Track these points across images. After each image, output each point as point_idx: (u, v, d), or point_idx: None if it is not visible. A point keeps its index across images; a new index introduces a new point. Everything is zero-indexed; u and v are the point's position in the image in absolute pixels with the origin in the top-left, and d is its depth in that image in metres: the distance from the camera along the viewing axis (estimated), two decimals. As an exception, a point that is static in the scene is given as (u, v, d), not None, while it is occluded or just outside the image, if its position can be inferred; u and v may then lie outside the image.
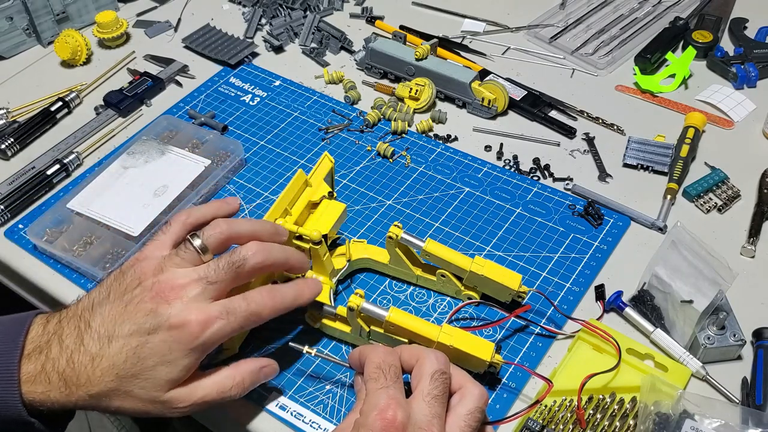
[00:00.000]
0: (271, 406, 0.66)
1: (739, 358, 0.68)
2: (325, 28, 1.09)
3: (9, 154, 0.92)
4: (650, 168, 0.86)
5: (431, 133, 0.93)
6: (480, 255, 0.74)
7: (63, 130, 0.96)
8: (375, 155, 0.90)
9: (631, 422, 0.62)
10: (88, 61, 1.07)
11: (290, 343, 0.64)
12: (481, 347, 0.63)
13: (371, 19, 1.12)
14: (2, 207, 0.83)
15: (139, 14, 1.16)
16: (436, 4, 1.15)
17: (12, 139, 0.92)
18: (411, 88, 0.95)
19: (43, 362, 0.57)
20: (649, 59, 0.99)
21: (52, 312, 0.61)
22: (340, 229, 0.80)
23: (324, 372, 0.68)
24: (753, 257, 0.77)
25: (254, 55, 1.07)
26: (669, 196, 0.82)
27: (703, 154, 0.88)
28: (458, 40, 1.08)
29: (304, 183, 0.73)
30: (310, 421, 0.65)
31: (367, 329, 0.66)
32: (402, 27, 1.09)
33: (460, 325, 0.70)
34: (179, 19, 1.14)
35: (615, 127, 0.92)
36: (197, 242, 0.60)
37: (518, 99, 0.96)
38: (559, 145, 0.91)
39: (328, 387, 0.67)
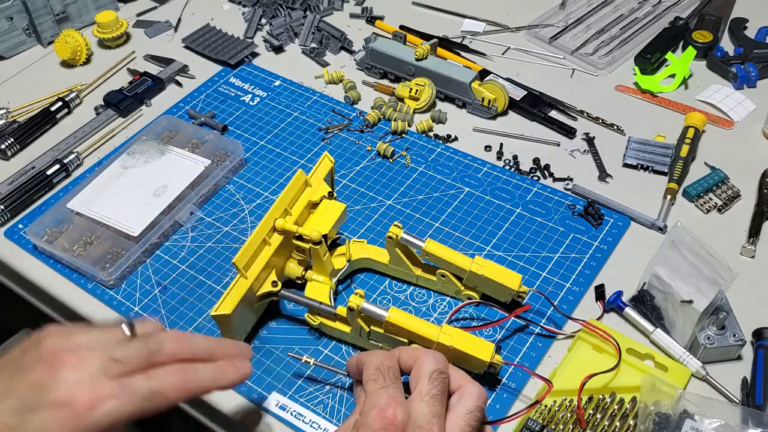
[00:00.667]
0: (271, 406, 0.66)
1: (739, 358, 0.68)
2: (325, 28, 1.09)
3: (9, 154, 0.92)
4: (650, 168, 0.86)
5: (431, 133, 0.93)
6: (480, 255, 0.74)
7: (63, 130, 0.96)
8: (375, 155, 0.90)
9: (631, 422, 0.62)
10: (88, 61, 1.07)
11: (290, 354, 0.65)
12: (481, 348, 0.63)
13: (371, 19, 1.12)
14: (2, 207, 0.83)
15: (139, 14, 1.16)
16: (436, 4, 1.15)
17: (12, 139, 0.92)
18: (411, 88, 0.95)
19: None
20: (649, 59, 0.99)
21: None
22: (340, 229, 0.80)
23: (324, 372, 0.68)
24: (753, 257, 0.77)
25: (254, 55, 1.07)
26: (669, 196, 0.82)
27: (703, 154, 0.88)
28: (458, 40, 1.08)
29: (304, 183, 0.73)
30: (310, 421, 0.65)
31: (367, 329, 0.66)
32: (402, 27, 1.09)
33: (460, 325, 0.70)
34: (179, 19, 1.14)
35: (615, 127, 0.92)
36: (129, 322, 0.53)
37: (518, 99, 0.96)
38: (559, 145, 0.91)
39: (328, 387, 0.67)
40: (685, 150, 0.86)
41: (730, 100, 0.95)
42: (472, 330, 0.66)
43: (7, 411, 0.48)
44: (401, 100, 0.97)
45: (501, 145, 0.91)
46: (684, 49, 1.02)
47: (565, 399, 0.64)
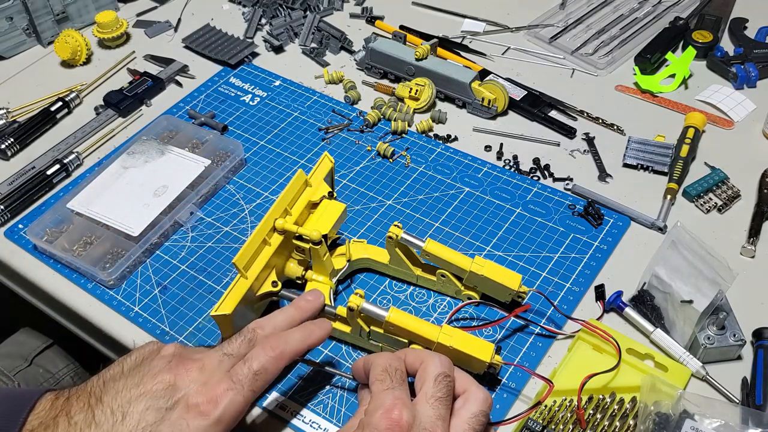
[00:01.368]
0: (271, 406, 0.66)
1: (739, 358, 0.68)
2: (325, 28, 1.09)
3: (9, 154, 0.92)
4: (650, 168, 0.86)
5: (431, 133, 0.93)
6: (480, 255, 0.74)
7: (63, 130, 0.96)
8: (375, 155, 0.90)
9: (631, 422, 0.62)
10: (88, 61, 1.07)
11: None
12: (481, 348, 0.63)
13: (371, 19, 1.12)
14: (2, 207, 0.83)
15: (139, 14, 1.16)
16: (436, 4, 1.15)
17: (12, 139, 0.92)
18: (411, 88, 0.95)
19: None
20: (649, 59, 0.99)
21: (62, 390, 0.58)
22: (340, 229, 0.80)
23: (324, 372, 0.68)
24: (753, 257, 0.77)
25: (254, 55, 1.07)
26: (669, 196, 0.82)
27: (703, 154, 0.88)
28: (458, 40, 1.08)
29: (304, 183, 0.73)
30: (310, 421, 0.65)
31: (367, 329, 0.66)
32: (402, 27, 1.09)
33: (460, 325, 0.70)
34: (179, 19, 1.14)
35: (615, 127, 0.92)
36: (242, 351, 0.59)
37: (518, 99, 0.96)
38: (559, 145, 0.91)
39: (328, 387, 0.67)
40: (685, 150, 0.86)
41: (730, 100, 0.95)
42: (472, 330, 0.66)
43: (142, 408, 0.54)
44: (401, 100, 0.97)
45: (501, 145, 0.91)
46: (684, 49, 1.02)
47: (565, 399, 0.64)
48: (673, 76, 0.99)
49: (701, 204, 0.82)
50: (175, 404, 0.54)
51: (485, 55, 1.05)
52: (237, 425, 0.66)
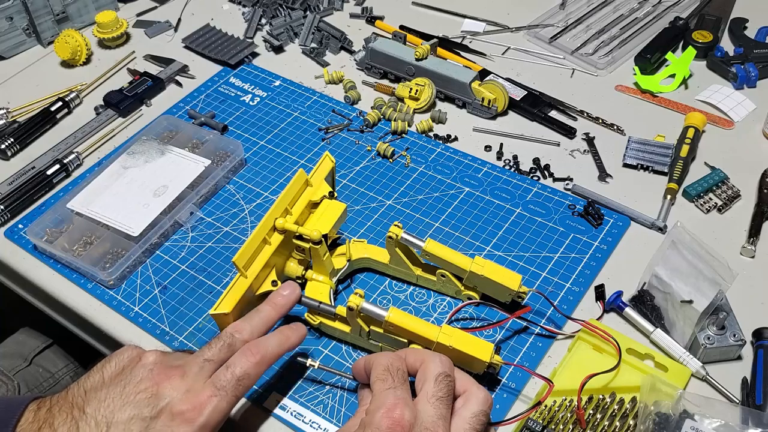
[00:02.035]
0: (271, 406, 0.66)
1: (739, 358, 0.68)
2: (325, 28, 1.09)
3: (9, 154, 0.92)
4: (650, 168, 0.86)
5: (431, 133, 0.93)
6: (480, 255, 0.74)
7: (63, 130, 0.96)
8: (375, 155, 0.90)
9: (631, 422, 0.62)
10: (88, 61, 1.07)
11: (298, 358, 0.65)
12: (481, 348, 0.63)
13: (371, 19, 1.12)
14: (2, 207, 0.83)
15: (139, 14, 1.16)
16: (436, 4, 1.15)
17: (12, 139, 0.92)
18: (411, 88, 0.95)
19: None
20: (649, 59, 0.99)
21: (44, 398, 0.57)
22: (340, 229, 0.80)
23: (324, 372, 0.68)
24: (753, 257, 0.77)
25: (254, 55, 1.07)
26: (669, 196, 0.82)
27: (703, 154, 0.88)
28: (458, 40, 1.08)
29: (304, 183, 0.73)
30: (310, 421, 0.65)
31: (367, 329, 0.66)
32: (402, 27, 1.09)
33: (460, 326, 0.70)
34: (179, 19, 1.14)
35: (615, 127, 0.92)
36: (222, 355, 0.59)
37: (518, 99, 0.96)
38: (559, 145, 0.91)
39: (328, 387, 0.67)
40: (685, 150, 0.86)
41: (730, 100, 0.95)
42: (472, 330, 0.66)
43: (126, 418, 0.54)
44: (401, 100, 0.97)
45: (501, 145, 0.91)
46: (684, 49, 1.02)
47: (565, 399, 0.64)
48: (673, 76, 0.99)
49: (701, 204, 0.82)
50: (159, 413, 0.54)
51: (485, 55, 1.05)
52: (237, 425, 0.66)
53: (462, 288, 0.72)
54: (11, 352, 0.92)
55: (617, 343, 0.66)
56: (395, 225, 0.70)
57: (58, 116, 0.97)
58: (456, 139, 0.92)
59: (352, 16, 1.14)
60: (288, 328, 0.63)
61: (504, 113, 0.95)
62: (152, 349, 0.59)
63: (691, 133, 0.88)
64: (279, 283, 0.69)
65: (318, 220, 0.73)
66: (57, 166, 0.88)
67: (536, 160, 0.88)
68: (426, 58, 0.97)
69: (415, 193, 0.85)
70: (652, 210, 0.82)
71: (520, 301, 0.70)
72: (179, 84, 1.03)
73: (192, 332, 0.72)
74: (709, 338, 0.66)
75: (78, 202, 0.82)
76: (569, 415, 0.63)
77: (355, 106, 0.97)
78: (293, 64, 1.05)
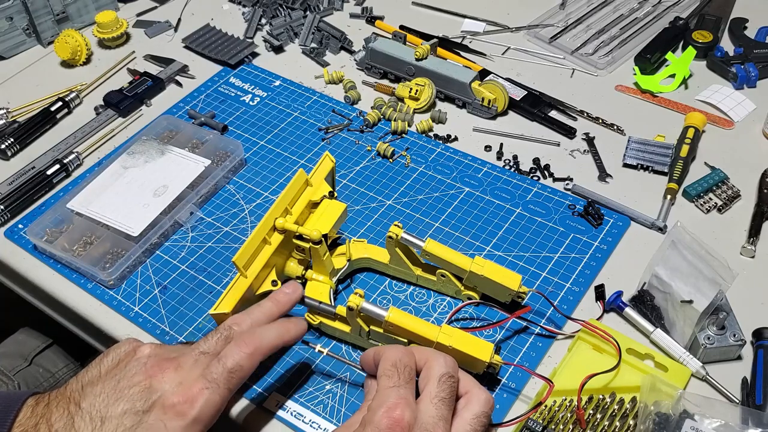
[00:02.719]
0: (271, 406, 0.66)
1: (739, 358, 0.68)
2: (325, 28, 1.09)
3: (9, 154, 0.92)
4: (650, 168, 0.86)
5: (431, 133, 0.93)
6: (480, 255, 0.74)
7: (63, 130, 0.96)
8: (375, 155, 0.90)
9: (631, 422, 0.62)
10: (88, 61, 1.07)
11: (308, 344, 0.66)
12: (480, 348, 0.63)
13: (371, 19, 1.12)
14: (2, 207, 0.83)
15: (139, 14, 1.16)
16: (436, 4, 1.15)
17: (12, 139, 0.92)
18: (411, 88, 0.95)
19: None
20: (649, 59, 0.99)
21: (42, 393, 0.58)
22: (340, 229, 0.80)
23: (324, 372, 0.68)
24: (753, 257, 0.77)
25: (254, 55, 1.07)
26: (669, 196, 0.82)
27: (703, 154, 0.88)
28: (458, 40, 1.08)
29: (304, 183, 0.73)
30: (310, 421, 0.65)
31: (367, 329, 0.66)
32: (402, 27, 1.09)
33: (459, 326, 0.70)
34: (179, 19, 1.14)
35: (615, 127, 0.92)
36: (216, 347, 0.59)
37: (518, 99, 0.96)
38: (559, 145, 0.91)
39: (328, 387, 0.67)
40: (685, 150, 0.86)
41: (730, 100, 0.95)
42: (471, 330, 0.66)
43: (120, 413, 0.54)
44: (401, 100, 0.97)
45: (501, 145, 0.91)
46: (684, 49, 1.02)
47: (565, 399, 0.64)
48: (673, 76, 0.99)
49: (701, 204, 0.82)
50: (151, 406, 0.54)
51: (485, 55, 1.05)
52: (237, 425, 0.66)
53: (462, 288, 0.72)
54: (11, 352, 0.92)
55: (617, 343, 0.66)
56: (395, 225, 0.70)
57: (58, 116, 0.97)
58: (456, 139, 0.92)
59: (352, 16, 1.14)
60: (289, 320, 0.63)
61: (504, 113, 0.95)
62: (149, 342, 0.60)
63: (691, 133, 0.88)
64: (279, 283, 0.69)
65: (318, 220, 0.73)
66: (57, 166, 0.88)
67: (536, 160, 0.88)
68: (426, 58, 0.97)
69: (415, 193, 0.85)
70: (652, 210, 0.82)
71: (520, 301, 0.70)
72: (179, 84, 1.03)
73: (192, 332, 0.72)
74: (709, 338, 0.66)
75: (78, 202, 0.82)
76: (569, 415, 0.63)
77: (355, 106, 0.97)
78: (293, 64, 1.05)
